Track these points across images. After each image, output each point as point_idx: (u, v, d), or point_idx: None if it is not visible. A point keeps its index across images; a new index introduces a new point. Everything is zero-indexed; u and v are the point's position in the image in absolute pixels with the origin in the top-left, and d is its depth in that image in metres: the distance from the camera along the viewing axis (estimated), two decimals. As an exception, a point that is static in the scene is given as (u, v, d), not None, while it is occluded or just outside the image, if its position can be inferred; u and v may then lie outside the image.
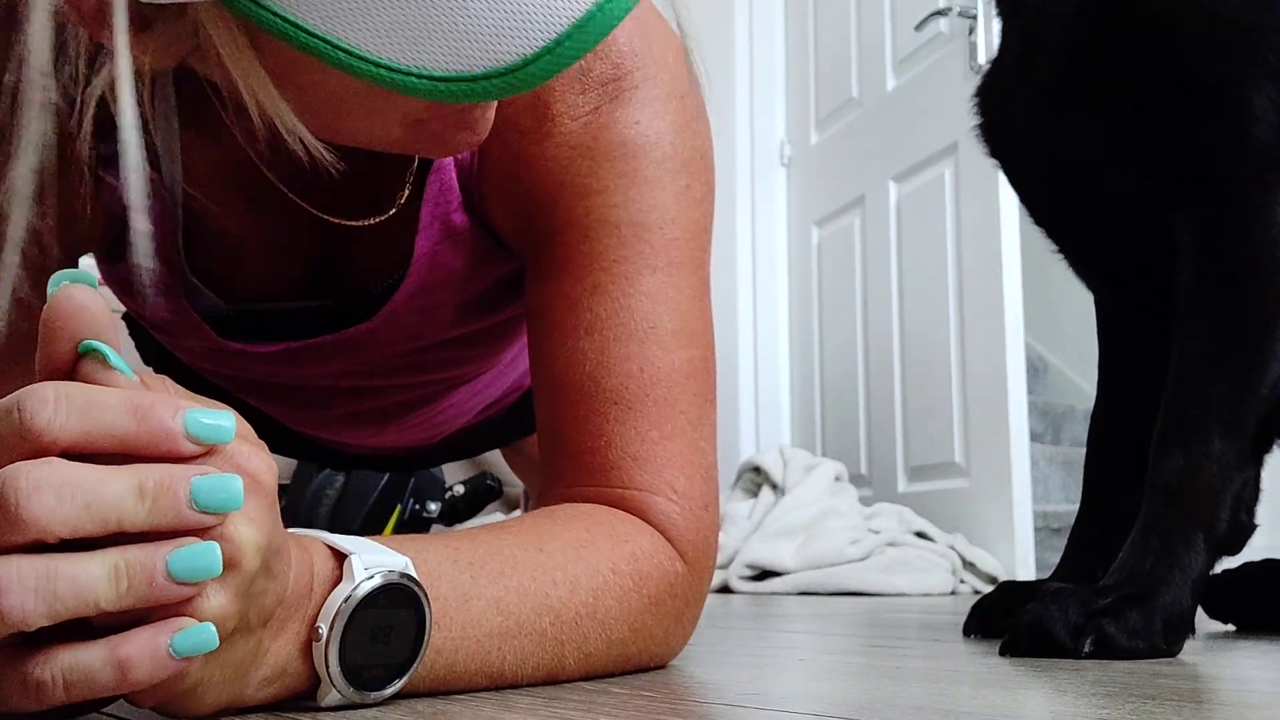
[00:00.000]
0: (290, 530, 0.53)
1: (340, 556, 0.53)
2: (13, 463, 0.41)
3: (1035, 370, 3.95)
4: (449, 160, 0.76)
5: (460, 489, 2.45)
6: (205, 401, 0.47)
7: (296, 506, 2.15)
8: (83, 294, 0.43)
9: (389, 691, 0.54)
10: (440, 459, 1.42)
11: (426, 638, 0.54)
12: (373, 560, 0.52)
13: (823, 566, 2.25)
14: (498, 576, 0.60)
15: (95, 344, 0.44)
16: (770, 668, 0.78)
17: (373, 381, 0.98)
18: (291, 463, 2.19)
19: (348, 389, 1.00)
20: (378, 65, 0.50)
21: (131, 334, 1.22)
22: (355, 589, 0.51)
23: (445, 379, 1.05)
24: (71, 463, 0.41)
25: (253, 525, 0.45)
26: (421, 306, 0.83)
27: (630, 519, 0.69)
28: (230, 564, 0.44)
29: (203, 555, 0.42)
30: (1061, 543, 2.90)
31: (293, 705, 0.53)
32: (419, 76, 0.50)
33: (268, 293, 0.86)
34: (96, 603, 0.41)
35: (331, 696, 0.52)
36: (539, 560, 0.63)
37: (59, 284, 0.43)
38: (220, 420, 0.44)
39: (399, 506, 2.21)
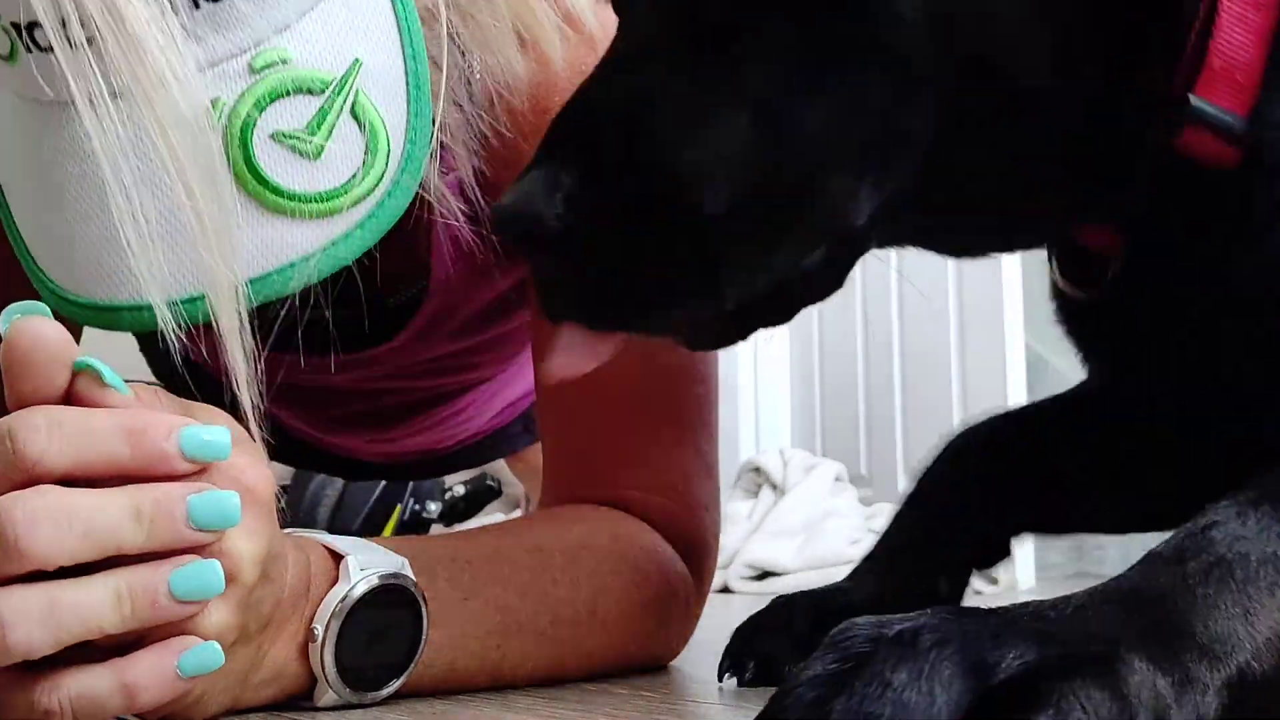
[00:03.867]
0: (288, 531, 0.53)
1: (337, 558, 0.52)
2: (6, 492, 0.40)
3: (1035, 370, 3.94)
4: (451, 176, 0.75)
5: (460, 489, 2.45)
6: (203, 409, 0.46)
7: (296, 507, 2.15)
8: (39, 326, 0.42)
9: (386, 692, 0.54)
10: (448, 468, 1.40)
11: (423, 637, 0.54)
12: (369, 560, 0.52)
13: (823, 567, 2.25)
14: (496, 576, 0.60)
15: (89, 360, 0.43)
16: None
17: (386, 384, 0.98)
18: (291, 462, 2.19)
19: (362, 390, 1.00)
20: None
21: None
22: (351, 590, 0.51)
23: (457, 382, 1.05)
24: (67, 490, 0.41)
25: (251, 538, 0.45)
26: (439, 323, 0.83)
27: (631, 520, 0.69)
28: (230, 578, 0.43)
29: (204, 574, 0.42)
30: (1062, 542, 2.90)
31: (291, 705, 0.52)
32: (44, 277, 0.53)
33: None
34: (101, 628, 0.41)
35: (328, 697, 0.52)
36: (538, 560, 0.62)
37: (11, 318, 0.42)
38: (216, 436, 0.43)
39: (399, 507, 2.20)
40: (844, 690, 0.30)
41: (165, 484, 0.42)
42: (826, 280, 0.52)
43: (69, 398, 0.43)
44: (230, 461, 0.44)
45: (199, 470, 0.43)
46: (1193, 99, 0.49)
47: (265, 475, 0.46)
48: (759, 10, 0.48)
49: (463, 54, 0.61)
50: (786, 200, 0.48)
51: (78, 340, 0.76)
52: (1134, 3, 0.50)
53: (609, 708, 0.55)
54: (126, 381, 0.45)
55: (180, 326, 0.48)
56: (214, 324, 0.49)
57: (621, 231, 0.47)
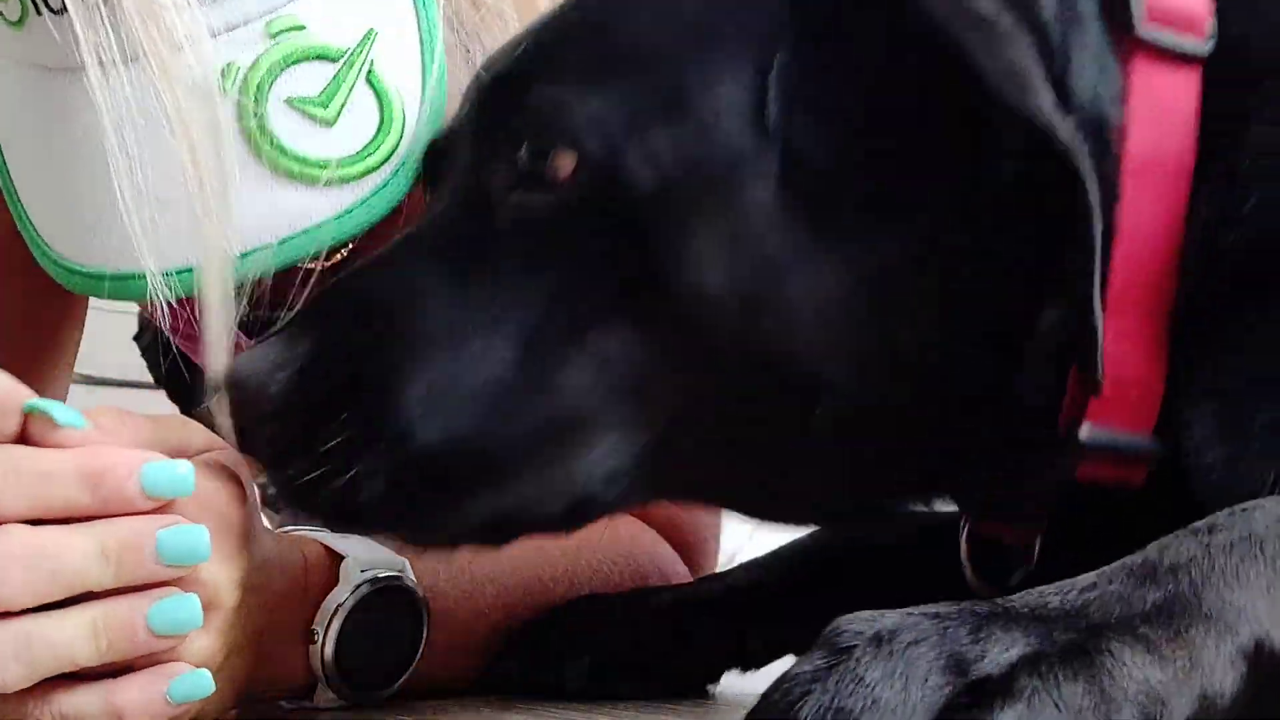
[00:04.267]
0: (289, 530, 0.53)
1: (337, 558, 0.52)
2: None
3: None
4: None
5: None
6: (174, 424, 0.46)
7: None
8: None
9: (386, 692, 0.54)
10: None
11: (424, 638, 0.54)
12: (369, 561, 0.52)
13: (823, 567, 2.24)
14: (496, 575, 0.60)
15: (39, 403, 0.42)
16: (771, 668, 0.77)
17: None
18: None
19: None
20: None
21: (138, 337, 1.21)
22: (350, 592, 0.51)
23: None
24: (32, 530, 0.40)
25: (225, 563, 0.44)
26: None
27: (631, 520, 0.69)
28: (208, 606, 0.43)
29: (181, 608, 0.41)
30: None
31: (292, 705, 0.52)
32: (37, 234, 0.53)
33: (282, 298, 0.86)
34: (76, 662, 0.40)
35: (328, 698, 0.52)
36: (538, 559, 0.62)
37: None
38: (177, 472, 0.42)
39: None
40: (818, 686, 0.30)
41: (132, 520, 0.41)
42: (560, 523, 0.47)
43: (24, 442, 0.42)
44: (199, 487, 0.43)
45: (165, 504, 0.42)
46: (1084, 432, 0.44)
47: (235, 494, 0.46)
48: (554, 237, 0.44)
49: (467, 36, 0.61)
50: (515, 449, 0.44)
51: (80, 324, 0.77)
52: (1002, 341, 0.46)
53: (609, 707, 0.55)
54: (117, 383, 0.44)
55: (170, 296, 0.48)
56: (200, 294, 0.48)
57: (323, 433, 0.44)
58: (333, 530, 0.46)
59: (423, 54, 0.54)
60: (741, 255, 0.44)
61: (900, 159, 0.45)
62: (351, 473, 0.43)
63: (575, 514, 0.46)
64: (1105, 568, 0.36)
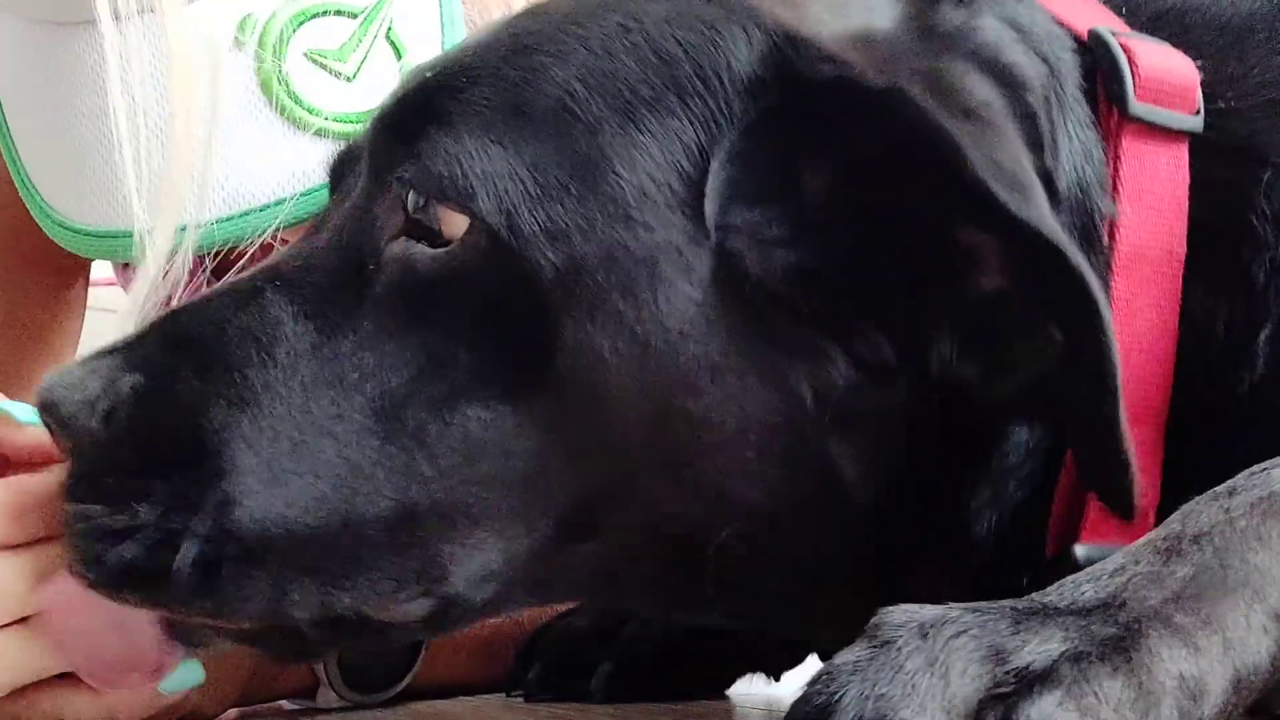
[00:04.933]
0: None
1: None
2: None
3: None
4: None
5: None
6: None
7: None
8: None
9: (388, 693, 0.54)
10: None
11: (426, 640, 0.54)
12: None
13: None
14: (497, 577, 0.60)
15: (1, 404, 0.42)
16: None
17: None
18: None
19: None
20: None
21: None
22: (354, 591, 0.51)
23: None
24: None
25: None
26: None
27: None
28: None
29: None
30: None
31: (293, 705, 0.53)
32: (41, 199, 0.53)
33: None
34: (52, 668, 0.40)
35: (330, 698, 0.52)
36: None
37: None
38: None
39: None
40: (859, 675, 0.30)
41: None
42: (420, 626, 0.41)
43: None
44: None
45: None
46: (1080, 552, 0.41)
47: None
48: (437, 298, 0.39)
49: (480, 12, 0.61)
50: (362, 535, 0.38)
51: (80, 315, 0.77)
52: (965, 468, 0.42)
53: (610, 706, 0.55)
54: None
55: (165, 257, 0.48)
56: (143, 251, 0.48)
57: (134, 484, 0.38)
58: (126, 599, 0.38)
59: (441, 16, 0.54)
60: (654, 358, 0.38)
61: (858, 271, 0.39)
62: (160, 535, 0.37)
63: (437, 617, 0.41)
64: (1131, 546, 0.35)
